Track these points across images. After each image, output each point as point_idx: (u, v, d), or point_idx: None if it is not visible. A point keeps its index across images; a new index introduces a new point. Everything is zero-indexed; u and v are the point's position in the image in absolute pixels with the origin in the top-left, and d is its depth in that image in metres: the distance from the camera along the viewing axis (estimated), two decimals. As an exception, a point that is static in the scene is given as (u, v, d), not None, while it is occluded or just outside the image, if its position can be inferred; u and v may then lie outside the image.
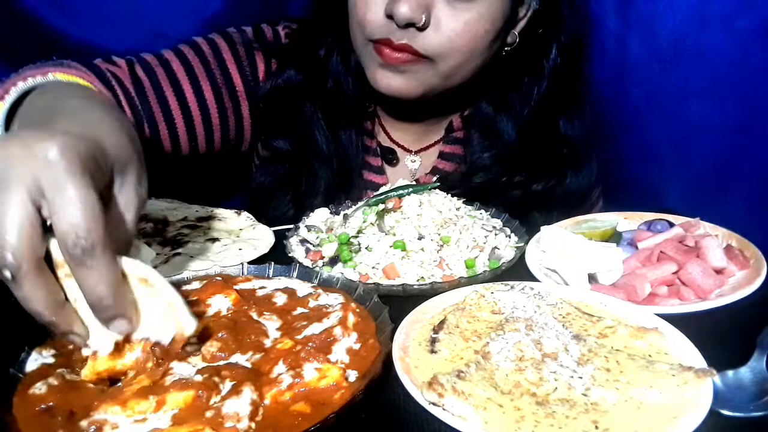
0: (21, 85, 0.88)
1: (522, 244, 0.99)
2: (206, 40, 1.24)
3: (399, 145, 1.36)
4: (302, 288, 0.85)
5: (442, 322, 0.75)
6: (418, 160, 1.36)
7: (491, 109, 1.28)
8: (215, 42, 1.24)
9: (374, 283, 0.89)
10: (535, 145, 1.26)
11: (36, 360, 0.69)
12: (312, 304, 0.80)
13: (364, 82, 1.20)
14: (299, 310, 0.79)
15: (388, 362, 0.67)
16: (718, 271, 0.86)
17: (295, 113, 1.25)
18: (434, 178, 1.30)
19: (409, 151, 1.36)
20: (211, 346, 0.70)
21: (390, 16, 1.05)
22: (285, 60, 1.25)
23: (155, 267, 0.93)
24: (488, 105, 1.29)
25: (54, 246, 0.58)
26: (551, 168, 1.28)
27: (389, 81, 1.12)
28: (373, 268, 0.93)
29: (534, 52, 1.22)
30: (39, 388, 0.63)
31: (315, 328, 0.73)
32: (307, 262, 0.97)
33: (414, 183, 1.07)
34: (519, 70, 1.24)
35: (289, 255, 0.98)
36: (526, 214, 1.23)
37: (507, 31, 1.19)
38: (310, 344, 0.70)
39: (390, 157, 1.34)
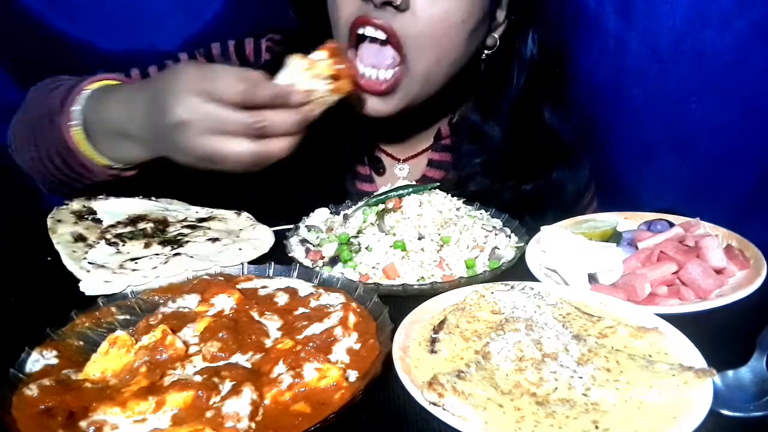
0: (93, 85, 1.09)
1: (522, 244, 0.99)
2: (188, 56, 1.28)
3: (387, 154, 1.36)
4: (304, 288, 0.85)
5: (442, 322, 0.75)
6: (407, 168, 1.36)
7: (478, 115, 1.28)
8: (197, 59, 1.28)
9: (374, 283, 0.89)
10: (522, 143, 1.26)
11: (38, 361, 0.69)
12: (313, 303, 0.80)
13: None
14: (300, 309, 0.79)
15: (388, 362, 0.67)
16: (718, 271, 0.86)
17: None
18: None
19: (397, 160, 1.36)
20: (211, 346, 0.70)
21: None
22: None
23: (154, 268, 0.95)
24: (475, 111, 1.29)
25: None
26: (540, 166, 1.28)
27: (372, 104, 1.13)
28: (373, 268, 0.93)
29: (513, 50, 1.23)
30: (33, 390, 0.63)
31: (316, 328, 0.73)
32: (307, 262, 0.97)
33: (414, 183, 1.07)
34: (501, 72, 1.25)
35: (289, 255, 0.98)
36: (519, 217, 1.23)
37: (486, 32, 1.19)
38: (311, 344, 0.70)
39: (377, 165, 1.35)
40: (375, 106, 1.14)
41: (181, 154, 0.95)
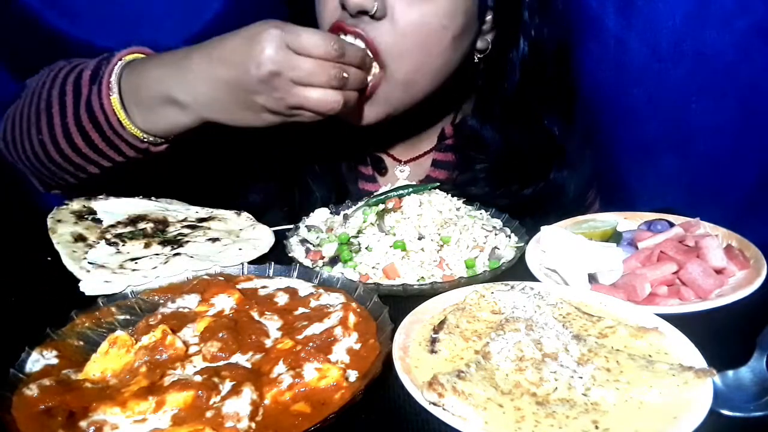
0: (126, 58, 1.07)
1: (522, 244, 0.99)
2: None
3: (389, 155, 1.36)
4: (304, 287, 0.85)
5: (442, 322, 0.75)
6: (407, 169, 1.35)
7: (476, 120, 1.27)
8: None
9: (374, 283, 0.89)
10: (522, 145, 1.25)
11: (38, 360, 0.69)
12: (313, 303, 0.80)
13: None
14: (300, 309, 0.79)
15: (388, 362, 0.67)
16: (718, 271, 0.86)
17: (285, 132, 1.25)
18: None
19: (399, 161, 1.36)
20: (211, 346, 0.70)
21: (343, 6, 1.04)
22: None
23: (154, 268, 0.95)
24: (473, 116, 1.28)
25: None
26: (541, 168, 1.27)
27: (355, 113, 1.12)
28: (373, 268, 0.93)
29: (505, 52, 1.21)
30: (33, 390, 0.63)
31: (316, 328, 0.73)
32: (307, 262, 0.97)
33: (414, 183, 1.07)
34: (496, 75, 1.23)
35: (289, 255, 0.98)
36: (521, 218, 1.23)
37: (475, 35, 1.17)
38: (311, 344, 0.70)
39: (379, 165, 1.34)
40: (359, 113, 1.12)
41: (258, 110, 0.98)
